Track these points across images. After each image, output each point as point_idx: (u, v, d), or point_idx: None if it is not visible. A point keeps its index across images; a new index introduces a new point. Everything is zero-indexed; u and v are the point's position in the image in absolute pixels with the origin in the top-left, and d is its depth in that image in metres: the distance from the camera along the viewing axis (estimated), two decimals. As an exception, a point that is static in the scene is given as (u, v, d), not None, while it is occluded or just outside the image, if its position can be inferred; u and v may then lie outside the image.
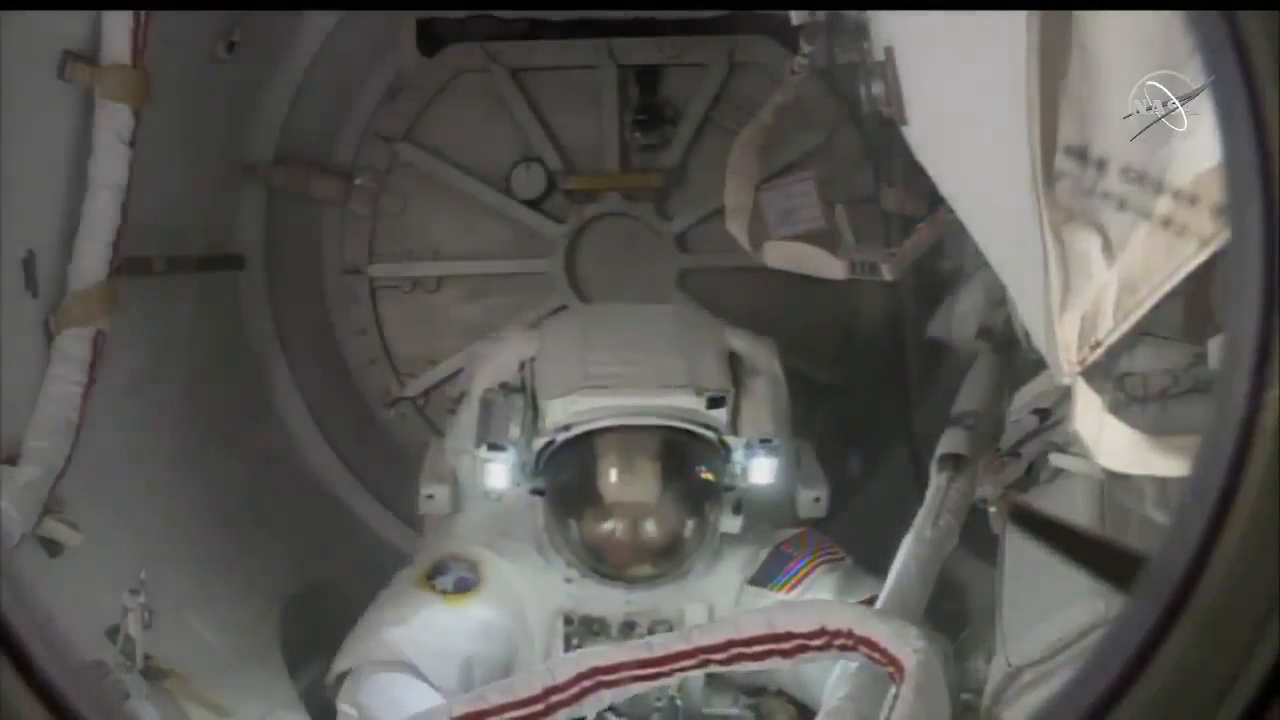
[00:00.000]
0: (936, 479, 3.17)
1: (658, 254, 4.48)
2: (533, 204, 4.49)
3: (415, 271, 4.50)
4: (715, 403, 3.14)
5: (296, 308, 4.53)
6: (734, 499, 3.15)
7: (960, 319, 3.75)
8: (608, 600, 3.17)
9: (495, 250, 4.52)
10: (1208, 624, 1.28)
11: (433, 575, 3.19)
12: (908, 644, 2.46)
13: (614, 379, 3.12)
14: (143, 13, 3.08)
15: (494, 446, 3.12)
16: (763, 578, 3.18)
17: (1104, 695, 1.31)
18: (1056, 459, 2.78)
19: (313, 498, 4.45)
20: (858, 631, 2.56)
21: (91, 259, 3.09)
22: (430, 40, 4.49)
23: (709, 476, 3.13)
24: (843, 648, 2.58)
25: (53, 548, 2.84)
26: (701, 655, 2.68)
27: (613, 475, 3.09)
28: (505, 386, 3.28)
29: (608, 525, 3.09)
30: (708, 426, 3.11)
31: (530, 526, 3.21)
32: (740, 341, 3.39)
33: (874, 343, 4.49)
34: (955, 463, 3.18)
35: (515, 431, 3.13)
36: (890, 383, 4.49)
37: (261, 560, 3.88)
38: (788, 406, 3.43)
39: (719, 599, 3.18)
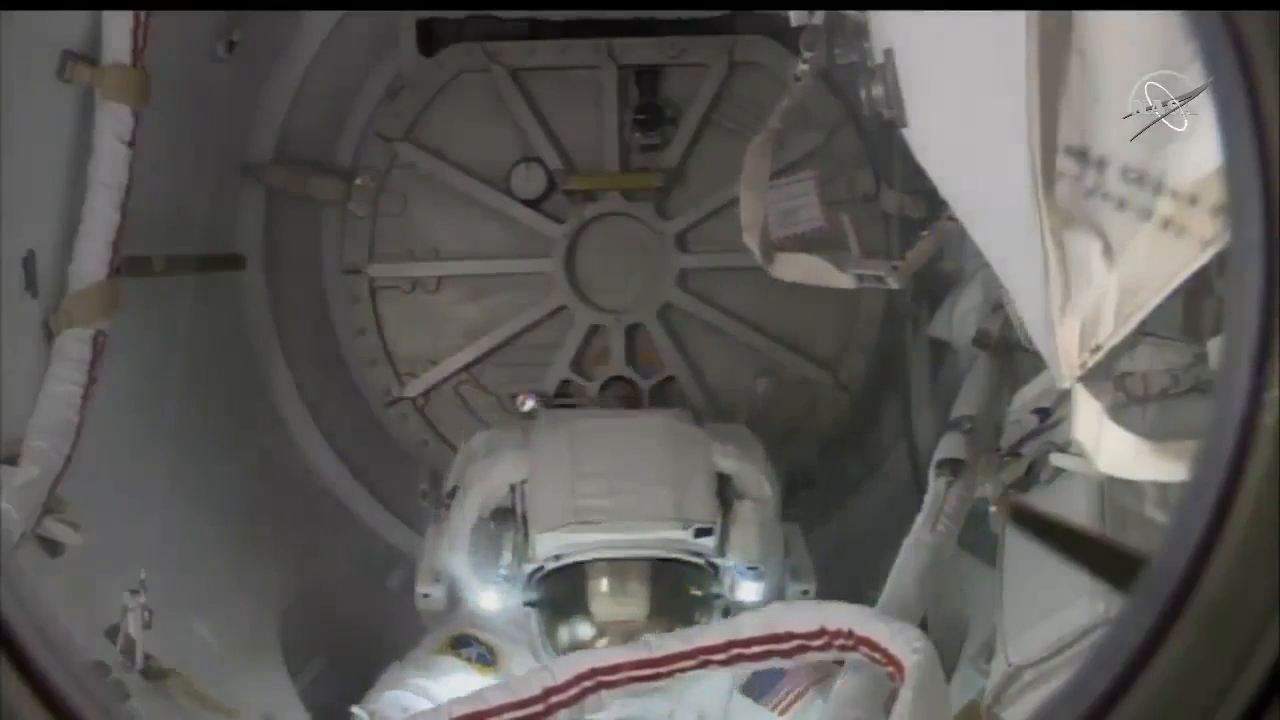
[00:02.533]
0: (935, 484, 3.18)
1: (658, 254, 4.48)
2: (533, 204, 4.49)
3: (415, 271, 4.50)
4: (703, 533, 3.20)
5: (296, 308, 4.53)
6: (723, 605, 3.22)
7: (961, 319, 3.76)
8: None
9: (495, 250, 4.52)
10: (1208, 624, 1.28)
11: (457, 646, 3.26)
12: (908, 644, 2.46)
13: (603, 514, 3.18)
14: (143, 13, 3.08)
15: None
16: (754, 689, 3.14)
17: (1104, 695, 1.31)
18: (1056, 459, 2.78)
19: (313, 498, 4.45)
20: (858, 631, 2.56)
21: (91, 259, 3.09)
22: (430, 40, 4.49)
23: (696, 592, 3.22)
24: (843, 648, 2.58)
25: (53, 548, 2.83)
26: (701, 655, 2.68)
27: (602, 598, 3.19)
28: (496, 512, 3.33)
29: (599, 642, 3.16)
30: (695, 553, 3.20)
31: (525, 630, 3.29)
32: (728, 461, 3.37)
33: (874, 343, 4.49)
34: (953, 468, 3.19)
35: (507, 557, 3.23)
36: (890, 383, 4.49)
37: (261, 560, 3.88)
38: (777, 507, 3.42)
39: (709, 705, 3.18)
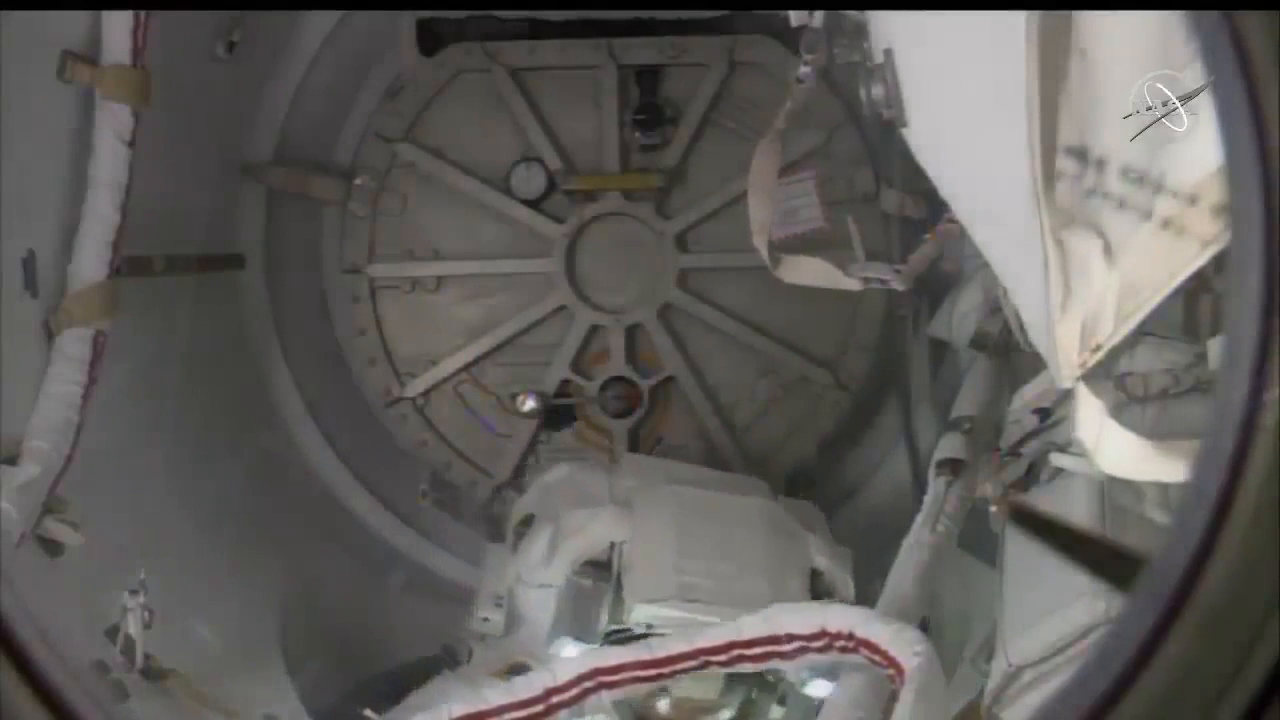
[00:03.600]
0: (934, 484, 3.18)
1: (658, 254, 4.48)
2: (533, 204, 4.49)
3: (415, 271, 4.49)
4: None
5: (296, 308, 4.53)
6: (781, 693, 3.20)
7: (960, 320, 3.76)
8: None
9: (495, 250, 4.52)
10: (1208, 624, 1.28)
11: (511, 673, 3.23)
12: (909, 646, 2.46)
13: (703, 594, 3.18)
14: (143, 13, 3.08)
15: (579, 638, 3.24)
16: None
17: (1104, 695, 1.31)
18: (1057, 459, 2.78)
19: (313, 498, 4.45)
20: (859, 634, 2.56)
21: (91, 259, 3.09)
22: (430, 40, 4.48)
23: (769, 678, 3.19)
24: (843, 650, 2.58)
25: (53, 548, 2.83)
26: (703, 656, 2.68)
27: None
28: (592, 565, 3.32)
29: (666, 710, 3.16)
30: None
31: None
32: (822, 559, 3.39)
33: (874, 343, 4.49)
34: (953, 468, 3.19)
35: (603, 618, 3.23)
36: (890, 383, 4.49)
37: (261, 560, 3.88)
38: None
39: None
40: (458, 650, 3.73)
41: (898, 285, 3.28)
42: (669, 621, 3.14)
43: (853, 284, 3.27)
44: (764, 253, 3.25)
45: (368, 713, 2.93)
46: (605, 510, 3.44)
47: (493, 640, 3.52)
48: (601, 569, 3.31)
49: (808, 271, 3.32)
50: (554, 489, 3.66)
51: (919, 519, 3.08)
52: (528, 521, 3.62)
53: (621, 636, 3.22)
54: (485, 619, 3.54)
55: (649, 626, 3.17)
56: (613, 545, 3.34)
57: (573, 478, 3.68)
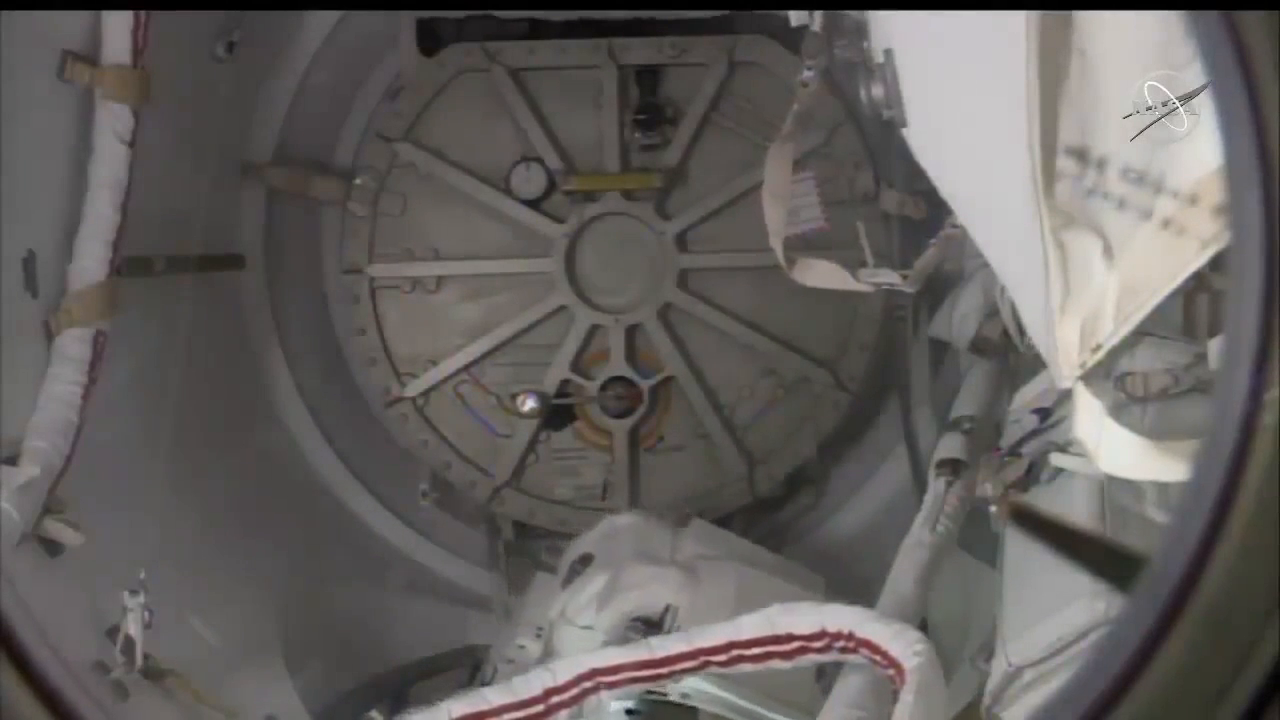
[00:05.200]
0: (934, 484, 3.18)
1: (658, 254, 4.48)
2: (533, 204, 4.49)
3: (415, 271, 4.50)
4: None
5: (296, 308, 4.54)
6: None
7: (961, 320, 3.76)
8: None
9: (495, 250, 4.52)
10: (1208, 624, 1.28)
11: None
12: (909, 647, 2.45)
13: (747, 677, 3.07)
14: (143, 13, 3.09)
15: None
16: None
17: (1104, 695, 1.31)
18: (1057, 459, 2.78)
19: (313, 498, 4.45)
20: (859, 634, 2.56)
21: (91, 259, 3.09)
22: (430, 40, 4.49)
23: None
24: (843, 650, 2.58)
25: (53, 548, 2.83)
26: (702, 657, 2.68)
27: None
28: (642, 621, 3.30)
29: None
30: None
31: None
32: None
33: (874, 343, 4.49)
34: (953, 468, 3.19)
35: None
36: (890, 383, 4.49)
37: (261, 560, 3.89)
38: None
39: None
40: (483, 664, 3.72)
41: (907, 289, 3.28)
42: (710, 697, 3.09)
43: (864, 287, 3.27)
44: (780, 255, 3.25)
45: (373, 714, 2.93)
46: (670, 572, 3.42)
47: (522, 666, 3.49)
48: (651, 627, 3.28)
49: (821, 274, 3.33)
50: (619, 536, 3.64)
51: (919, 519, 3.08)
52: (585, 560, 3.61)
53: (657, 697, 3.19)
54: (521, 646, 3.53)
55: (684, 696, 3.13)
56: (667, 608, 3.32)
57: (639, 529, 3.66)
